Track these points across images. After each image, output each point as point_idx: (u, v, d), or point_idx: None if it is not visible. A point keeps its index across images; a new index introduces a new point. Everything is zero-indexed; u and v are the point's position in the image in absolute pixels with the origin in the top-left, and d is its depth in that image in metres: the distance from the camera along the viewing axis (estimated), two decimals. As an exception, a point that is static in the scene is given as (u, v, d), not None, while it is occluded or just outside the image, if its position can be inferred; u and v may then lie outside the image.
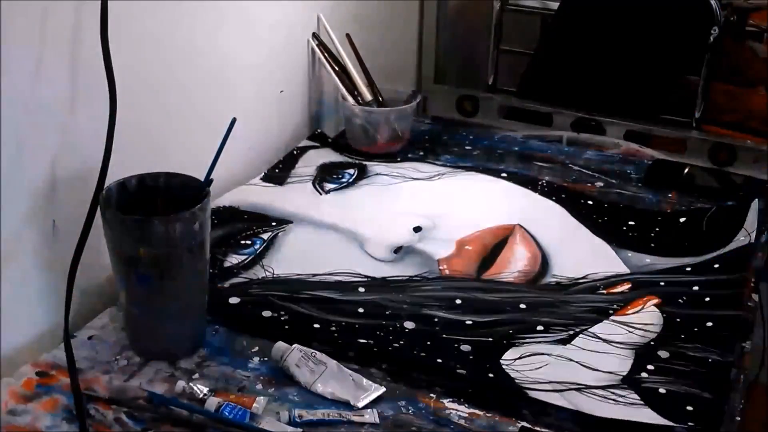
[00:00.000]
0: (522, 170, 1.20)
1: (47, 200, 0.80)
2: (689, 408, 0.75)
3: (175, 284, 0.76)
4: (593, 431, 0.73)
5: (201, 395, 0.73)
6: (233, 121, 0.77)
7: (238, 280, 0.92)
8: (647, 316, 0.87)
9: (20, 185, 0.76)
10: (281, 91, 1.21)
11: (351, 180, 1.16)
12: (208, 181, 0.77)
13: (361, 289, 0.91)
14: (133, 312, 0.78)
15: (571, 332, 0.85)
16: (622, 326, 0.86)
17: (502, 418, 0.73)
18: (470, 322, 0.86)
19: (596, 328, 0.85)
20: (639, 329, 0.85)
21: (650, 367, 0.80)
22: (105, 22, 0.78)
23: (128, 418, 0.71)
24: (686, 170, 1.24)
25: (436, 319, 0.86)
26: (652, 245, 1.01)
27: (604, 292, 0.92)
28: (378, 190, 1.13)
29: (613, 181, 1.17)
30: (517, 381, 0.77)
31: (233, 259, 0.95)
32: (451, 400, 0.75)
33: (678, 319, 0.87)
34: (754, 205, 1.08)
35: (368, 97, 1.26)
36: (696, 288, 0.92)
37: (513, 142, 1.31)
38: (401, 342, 0.82)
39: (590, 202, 1.11)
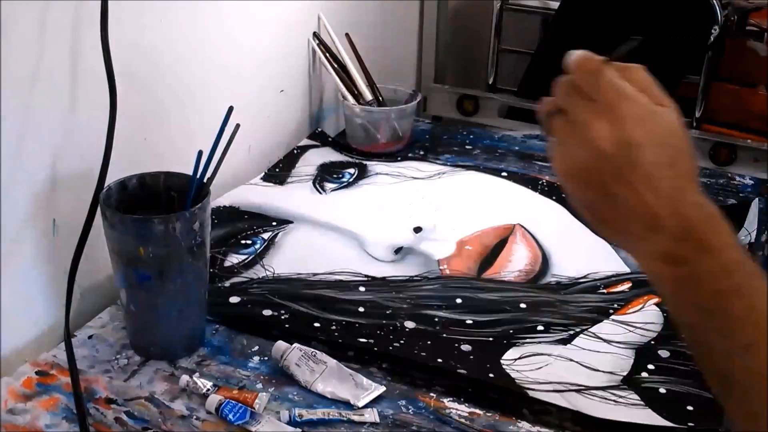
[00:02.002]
0: (522, 170, 1.20)
1: (47, 199, 0.80)
2: (689, 408, 0.75)
3: (176, 283, 0.76)
4: (594, 431, 0.73)
5: (204, 390, 0.73)
6: (237, 127, 0.77)
7: (239, 279, 0.92)
8: (648, 316, 0.87)
9: (20, 185, 0.76)
10: (281, 91, 1.21)
11: (351, 180, 1.16)
12: (209, 180, 0.77)
13: (362, 289, 0.91)
14: (133, 311, 0.78)
15: (572, 332, 0.85)
16: (623, 326, 0.86)
17: (503, 417, 0.73)
18: (470, 322, 0.86)
19: (596, 328, 0.85)
20: (639, 328, 0.85)
21: (651, 366, 0.80)
22: (105, 22, 0.78)
23: (128, 417, 0.71)
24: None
25: (436, 319, 0.86)
26: (653, 245, 1.01)
27: (605, 291, 0.92)
28: (378, 189, 1.13)
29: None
30: (517, 381, 0.77)
31: (233, 259, 0.95)
32: (451, 399, 0.75)
33: (678, 319, 0.87)
34: (755, 204, 1.08)
35: (368, 96, 1.26)
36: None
37: (513, 142, 1.31)
38: (402, 341, 0.82)
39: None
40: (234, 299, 0.88)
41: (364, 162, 1.20)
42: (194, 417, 0.72)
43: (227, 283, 0.91)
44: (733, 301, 0.51)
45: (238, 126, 0.77)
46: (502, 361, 0.80)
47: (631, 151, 0.53)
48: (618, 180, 0.53)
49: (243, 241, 0.99)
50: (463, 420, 0.73)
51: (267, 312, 0.86)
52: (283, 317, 0.85)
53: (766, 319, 0.50)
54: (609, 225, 0.56)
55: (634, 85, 0.56)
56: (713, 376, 0.53)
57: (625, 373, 0.79)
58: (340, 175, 1.17)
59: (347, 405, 0.74)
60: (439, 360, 0.80)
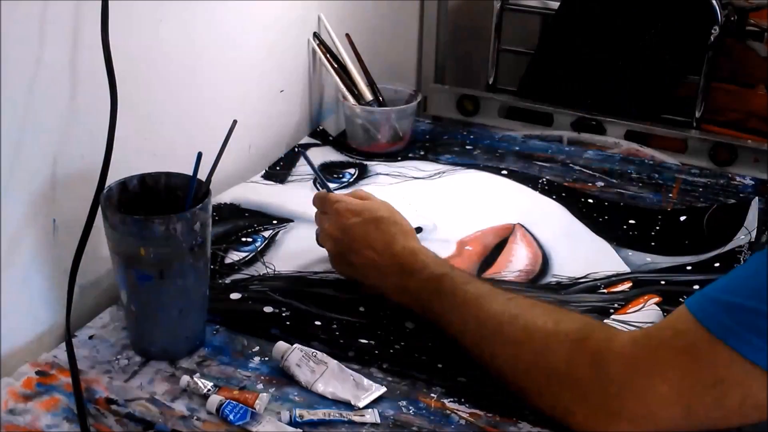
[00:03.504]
0: (522, 170, 1.20)
1: (48, 200, 0.80)
2: (690, 407, 0.74)
3: (176, 284, 0.76)
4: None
5: (205, 390, 0.73)
6: (234, 123, 0.77)
7: (239, 276, 0.92)
8: (648, 315, 0.87)
9: (20, 185, 0.76)
10: (281, 91, 1.21)
11: (352, 180, 1.16)
12: (209, 180, 0.77)
13: (362, 289, 0.91)
14: (133, 311, 0.78)
15: (572, 332, 0.84)
16: (623, 325, 0.85)
17: (503, 417, 0.73)
18: (471, 322, 0.86)
19: (597, 328, 0.85)
20: (639, 328, 0.85)
21: (651, 366, 0.80)
22: (105, 22, 0.77)
23: (128, 418, 0.71)
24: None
25: (436, 319, 0.86)
26: (653, 244, 1.01)
27: (605, 291, 0.92)
28: (378, 189, 1.13)
29: (614, 180, 1.17)
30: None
31: (234, 256, 0.95)
32: (451, 399, 0.75)
33: (679, 319, 0.87)
34: (754, 203, 1.08)
35: (369, 96, 1.26)
36: (696, 287, 0.92)
37: (513, 142, 1.31)
38: (402, 341, 0.82)
39: (591, 201, 1.11)
40: (235, 296, 0.88)
41: (365, 162, 1.20)
42: (195, 417, 0.72)
43: (228, 280, 0.91)
44: (436, 299, 0.79)
45: (235, 122, 0.77)
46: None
47: (349, 231, 0.85)
48: (351, 252, 0.86)
49: (244, 239, 0.99)
50: (463, 421, 0.73)
51: (268, 309, 0.86)
52: (283, 314, 0.85)
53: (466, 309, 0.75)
54: (367, 280, 0.86)
55: (354, 196, 0.90)
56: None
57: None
58: (341, 175, 1.17)
59: (348, 405, 0.74)
60: (440, 360, 0.80)
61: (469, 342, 0.76)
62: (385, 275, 0.83)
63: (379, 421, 0.72)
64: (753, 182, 1.18)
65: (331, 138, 1.27)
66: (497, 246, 1.00)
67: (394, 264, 0.83)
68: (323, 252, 0.94)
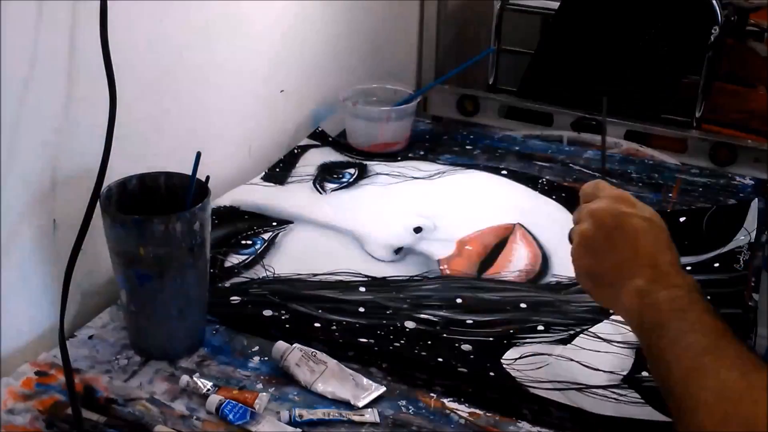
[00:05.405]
0: (522, 169, 1.20)
1: (48, 200, 0.80)
2: (690, 407, 0.74)
3: (176, 283, 0.76)
4: (594, 429, 0.73)
5: (204, 390, 0.73)
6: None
7: (239, 280, 0.92)
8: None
9: (20, 185, 0.76)
10: (282, 91, 1.21)
11: (351, 180, 1.16)
12: (207, 179, 0.77)
13: (362, 289, 0.91)
14: (133, 311, 0.78)
15: (572, 332, 0.85)
16: (623, 326, 0.85)
17: (503, 417, 0.73)
18: (471, 322, 0.86)
19: (597, 328, 0.85)
20: (639, 328, 0.85)
21: (651, 366, 0.80)
22: (105, 22, 0.77)
23: (128, 417, 0.71)
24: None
25: (436, 319, 0.86)
26: (653, 244, 1.01)
27: (605, 291, 0.92)
28: (378, 189, 1.13)
29: (614, 180, 1.17)
30: (518, 380, 0.77)
31: (234, 259, 0.95)
32: (451, 399, 0.75)
33: (678, 319, 0.87)
34: (754, 204, 1.08)
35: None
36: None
37: (513, 142, 1.31)
38: (402, 341, 0.82)
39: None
40: (234, 299, 0.88)
41: (364, 162, 1.20)
42: (194, 417, 0.72)
43: (227, 284, 0.91)
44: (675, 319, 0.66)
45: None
46: (502, 361, 0.80)
47: (621, 219, 0.71)
48: (610, 241, 0.71)
49: (243, 242, 0.99)
50: (463, 420, 0.73)
51: (267, 312, 0.86)
52: (283, 318, 0.85)
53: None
54: (602, 280, 0.72)
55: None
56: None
57: (625, 373, 0.79)
58: (340, 175, 1.17)
59: (347, 405, 0.74)
60: (440, 360, 0.80)
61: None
62: (633, 276, 0.70)
63: (378, 420, 0.72)
64: (753, 182, 1.18)
65: (330, 139, 1.27)
66: (497, 246, 1.00)
67: (646, 267, 0.70)
68: (322, 253, 0.94)
